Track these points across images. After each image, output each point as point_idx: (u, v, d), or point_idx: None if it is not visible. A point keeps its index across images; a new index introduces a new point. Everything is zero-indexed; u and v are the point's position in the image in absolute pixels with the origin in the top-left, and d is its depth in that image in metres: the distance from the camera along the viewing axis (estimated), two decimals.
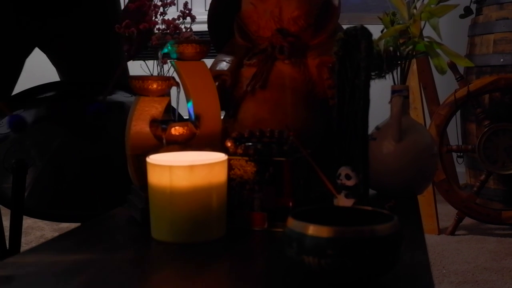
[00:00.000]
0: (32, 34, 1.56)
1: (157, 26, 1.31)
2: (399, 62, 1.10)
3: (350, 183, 0.80)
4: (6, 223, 1.24)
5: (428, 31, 1.10)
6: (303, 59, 1.11)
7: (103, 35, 1.56)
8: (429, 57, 1.13)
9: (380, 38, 1.09)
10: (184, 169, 0.77)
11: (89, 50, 1.59)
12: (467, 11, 2.79)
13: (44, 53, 1.67)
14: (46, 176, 1.35)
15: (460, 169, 2.86)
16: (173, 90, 0.93)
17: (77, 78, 1.60)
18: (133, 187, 0.95)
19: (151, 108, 0.90)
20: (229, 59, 1.16)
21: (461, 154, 2.70)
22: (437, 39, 1.10)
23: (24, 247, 1.92)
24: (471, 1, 2.80)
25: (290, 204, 0.83)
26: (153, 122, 0.90)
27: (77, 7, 1.57)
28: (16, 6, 1.51)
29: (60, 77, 1.67)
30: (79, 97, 1.52)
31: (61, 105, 1.49)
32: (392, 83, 1.10)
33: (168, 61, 1.15)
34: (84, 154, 1.39)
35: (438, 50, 1.10)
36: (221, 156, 0.81)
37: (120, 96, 1.50)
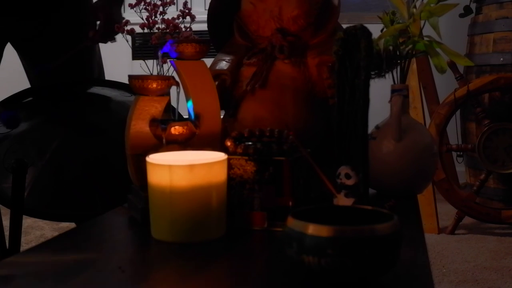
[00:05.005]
0: (7, 28, 1.54)
1: (156, 26, 1.31)
2: (398, 61, 1.10)
3: (350, 182, 0.80)
4: (6, 223, 1.24)
5: (427, 30, 1.10)
6: (303, 58, 1.11)
7: (78, 40, 1.54)
8: (428, 57, 1.13)
9: (379, 38, 1.08)
10: (184, 169, 0.77)
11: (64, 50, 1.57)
12: (467, 10, 2.79)
13: (19, 55, 1.65)
14: (46, 176, 1.35)
15: (460, 168, 2.86)
16: (173, 90, 0.93)
17: (48, 81, 1.58)
18: (133, 186, 0.95)
19: (151, 107, 0.90)
20: (228, 58, 1.16)
21: (461, 153, 2.70)
22: (437, 38, 1.10)
23: (24, 246, 1.92)
24: (470, 0, 2.80)
25: (290, 203, 0.83)
26: (153, 122, 0.90)
27: (55, 11, 1.55)
28: None
29: (30, 82, 1.65)
30: (79, 97, 1.51)
31: (61, 105, 1.48)
32: (392, 83, 1.10)
33: (168, 60, 1.15)
34: (83, 154, 1.39)
35: (438, 49, 1.10)
36: (220, 156, 0.81)
37: (120, 96, 1.50)
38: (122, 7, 1.60)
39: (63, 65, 1.48)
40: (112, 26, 1.46)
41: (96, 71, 1.64)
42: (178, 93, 0.93)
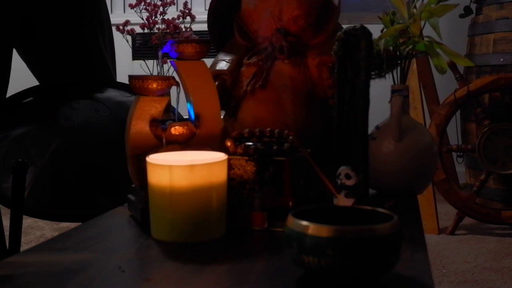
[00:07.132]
0: (11, 29, 1.53)
1: (157, 26, 1.31)
2: (399, 61, 1.10)
3: (350, 182, 0.80)
4: (6, 223, 1.24)
5: (428, 31, 1.10)
6: (303, 58, 1.11)
7: (80, 33, 1.54)
8: (429, 57, 1.13)
9: (380, 38, 1.08)
10: (184, 169, 0.77)
11: (66, 49, 1.57)
12: (467, 10, 2.79)
13: (21, 56, 1.65)
14: (46, 176, 1.35)
15: (460, 168, 2.86)
16: (173, 90, 0.93)
17: (54, 79, 1.58)
18: (133, 186, 0.95)
19: (151, 107, 0.90)
20: (229, 58, 1.16)
21: (461, 153, 2.70)
22: (437, 39, 1.10)
23: (24, 246, 1.92)
24: (471, 1, 2.81)
25: (290, 203, 0.83)
26: (153, 122, 0.90)
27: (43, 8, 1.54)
28: None
29: (38, 80, 1.65)
30: (79, 97, 1.51)
31: (61, 105, 1.48)
32: (392, 83, 1.10)
33: (168, 60, 1.15)
34: (83, 154, 1.39)
35: (438, 50, 1.10)
36: (221, 156, 0.81)
37: (120, 96, 1.50)
38: (122, 7, 1.60)
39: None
40: None
41: (107, 74, 1.63)
42: (178, 93, 0.93)
